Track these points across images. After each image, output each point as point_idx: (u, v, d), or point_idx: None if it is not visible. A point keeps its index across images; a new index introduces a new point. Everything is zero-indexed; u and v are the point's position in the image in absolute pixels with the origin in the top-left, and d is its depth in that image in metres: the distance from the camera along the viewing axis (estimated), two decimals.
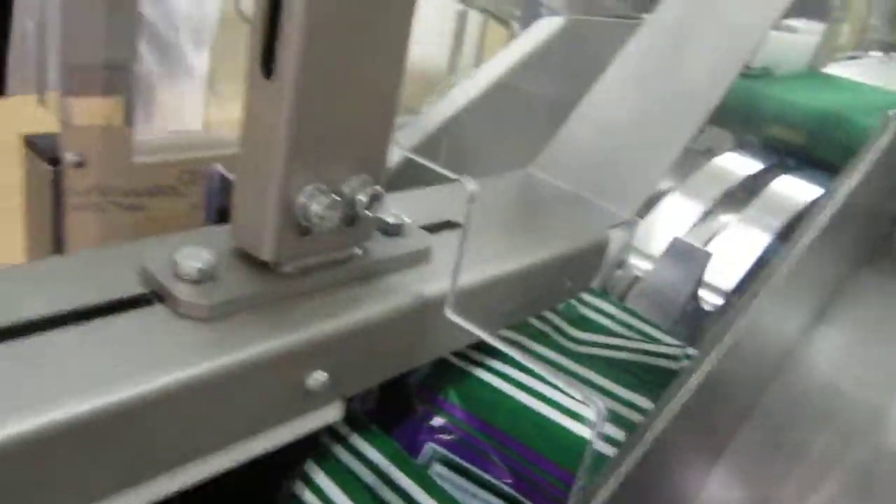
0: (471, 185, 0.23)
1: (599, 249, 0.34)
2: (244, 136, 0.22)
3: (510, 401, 0.32)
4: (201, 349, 0.20)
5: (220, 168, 0.36)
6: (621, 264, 0.43)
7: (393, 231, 0.27)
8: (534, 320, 0.35)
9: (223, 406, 0.21)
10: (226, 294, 0.22)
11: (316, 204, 0.22)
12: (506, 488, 0.31)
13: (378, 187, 0.24)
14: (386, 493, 0.28)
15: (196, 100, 0.52)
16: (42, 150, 0.47)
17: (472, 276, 0.28)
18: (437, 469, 0.32)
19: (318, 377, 0.23)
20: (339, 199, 0.23)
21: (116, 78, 0.44)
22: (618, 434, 0.30)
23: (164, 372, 0.19)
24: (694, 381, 0.28)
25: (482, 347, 0.32)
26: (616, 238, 0.42)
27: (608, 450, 0.30)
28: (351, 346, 0.24)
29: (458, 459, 0.32)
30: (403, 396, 0.33)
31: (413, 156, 0.28)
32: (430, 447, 0.32)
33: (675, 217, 0.51)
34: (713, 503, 0.30)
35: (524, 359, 0.24)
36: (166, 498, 0.20)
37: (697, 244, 0.45)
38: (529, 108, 0.40)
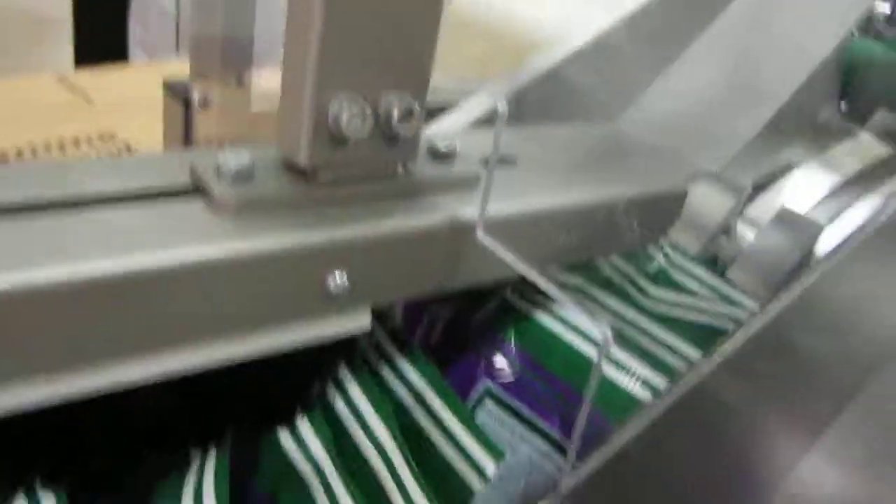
0: (501, 105, 0.23)
1: (675, 199, 0.33)
2: (286, 41, 0.23)
3: (565, 346, 0.31)
4: (223, 236, 0.22)
5: None
6: (728, 231, 0.41)
7: (443, 156, 0.28)
8: (610, 272, 0.35)
9: (239, 293, 0.22)
10: (256, 192, 0.23)
11: (346, 112, 0.23)
12: (550, 430, 0.31)
13: (415, 104, 0.24)
14: (419, 414, 0.28)
15: None
16: (177, 92, 0.51)
17: (521, 205, 0.28)
18: (489, 406, 0.33)
19: (339, 279, 0.24)
20: (370, 111, 0.24)
21: (238, 48, 0.48)
22: None
23: (184, 249, 0.21)
24: (743, 333, 0.27)
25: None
26: (722, 203, 0.40)
27: None
28: (376, 255, 0.24)
29: (508, 398, 0.32)
30: (464, 335, 0.34)
31: (485, 94, 0.28)
32: (484, 384, 0.33)
33: (800, 189, 0.48)
34: (755, 457, 0.29)
35: (551, 288, 0.23)
36: (181, 375, 0.22)
37: (822, 219, 0.42)
38: (628, 66, 0.39)
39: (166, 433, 0.27)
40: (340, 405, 0.27)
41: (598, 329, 0.21)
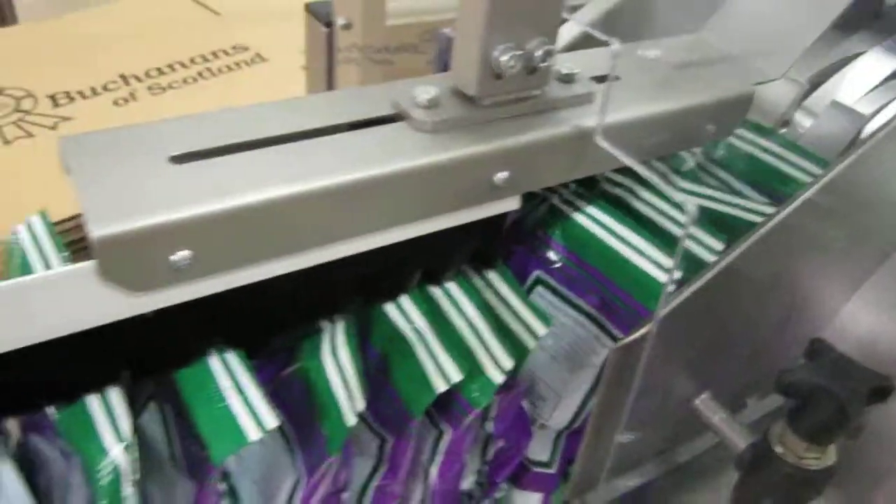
0: (615, 46, 0.33)
1: (742, 101, 0.42)
2: (461, 6, 0.33)
3: (600, 243, 0.41)
4: (427, 150, 0.32)
5: (447, 31, 0.48)
6: (787, 123, 0.50)
7: (566, 79, 0.37)
8: (685, 156, 0.44)
9: (435, 188, 0.33)
10: (443, 116, 0.34)
11: (505, 57, 0.33)
12: (590, 308, 0.42)
13: (551, 46, 0.34)
14: (488, 294, 0.39)
15: None
16: (319, 14, 0.61)
17: (623, 114, 0.38)
18: (539, 290, 0.43)
19: (502, 175, 0.34)
20: (521, 53, 0.33)
21: None
22: None
23: (401, 160, 0.31)
24: (778, 217, 0.36)
25: (585, 197, 0.42)
26: (782, 94, 0.49)
27: None
28: (526, 157, 0.35)
29: (556, 283, 0.43)
30: (519, 234, 0.44)
31: (588, 29, 0.37)
32: (535, 273, 0.43)
33: (856, 80, 0.55)
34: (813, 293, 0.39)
35: (647, 173, 0.33)
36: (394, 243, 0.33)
37: (868, 109, 0.50)
38: None
39: (299, 311, 0.37)
40: (433, 287, 0.38)
41: (686, 204, 0.31)
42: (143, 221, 0.27)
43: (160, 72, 0.79)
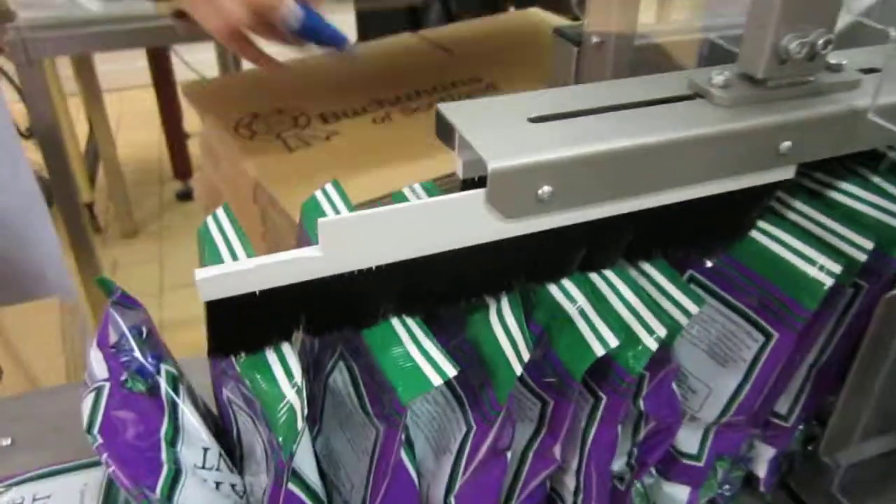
0: (893, 32, 0.38)
1: None
2: (753, 3, 0.39)
3: (756, 244, 0.45)
4: (727, 120, 0.39)
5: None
6: None
7: (835, 68, 0.43)
8: None
9: (730, 153, 0.39)
10: (736, 93, 0.40)
11: (792, 45, 0.39)
12: (742, 305, 0.45)
13: (831, 35, 0.40)
14: (644, 282, 0.44)
15: None
16: (569, 37, 0.69)
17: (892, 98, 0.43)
18: (692, 287, 0.46)
19: (787, 144, 0.40)
20: (806, 41, 0.39)
21: None
22: None
23: (707, 127, 0.38)
24: None
25: None
26: None
27: None
28: (806, 131, 0.40)
29: (708, 282, 0.47)
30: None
31: (862, 20, 0.43)
32: (689, 272, 0.47)
33: None
34: None
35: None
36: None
37: None
38: None
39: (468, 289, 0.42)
40: (591, 273, 0.43)
41: None
42: (521, 160, 0.35)
43: (408, 97, 0.90)
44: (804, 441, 0.55)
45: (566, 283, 0.43)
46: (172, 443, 0.40)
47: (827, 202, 0.47)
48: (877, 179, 0.47)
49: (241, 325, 0.36)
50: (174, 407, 0.41)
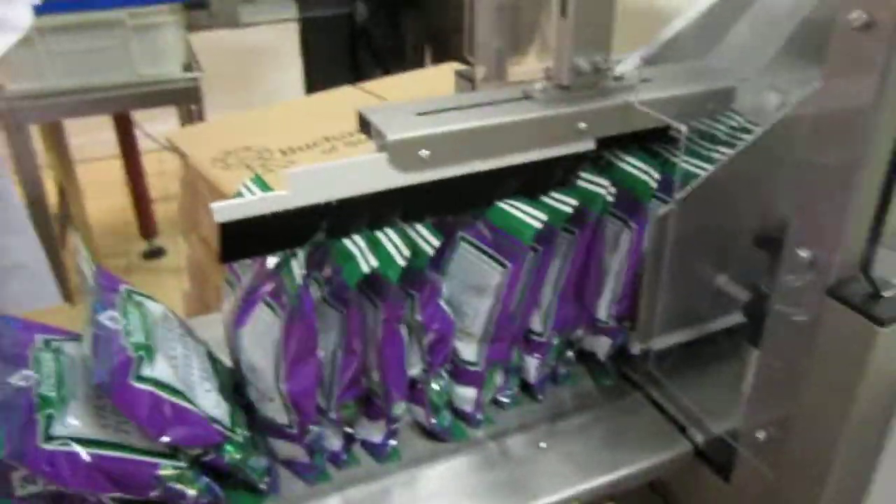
0: (638, 58, 0.62)
1: (728, 91, 0.70)
2: (556, 35, 0.63)
3: (498, 208, 0.69)
4: (539, 111, 0.62)
5: None
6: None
7: (619, 78, 0.67)
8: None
9: (542, 132, 0.62)
10: (552, 95, 0.63)
11: (581, 64, 0.62)
12: (488, 248, 0.69)
13: (606, 58, 0.63)
14: (414, 235, 0.67)
15: None
16: (465, 75, 0.93)
17: (649, 95, 0.66)
18: (462, 242, 0.70)
19: (584, 126, 0.63)
20: (590, 61, 0.63)
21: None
22: None
23: (522, 115, 0.61)
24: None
25: None
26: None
27: None
28: (595, 116, 0.63)
29: (468, 235, 0.70)
30: None
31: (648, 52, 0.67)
32: (459, 234, 0.71)
33: None
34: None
35: (673, 123, 0.62)
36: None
37: None
38: (710, 31, 0.76)
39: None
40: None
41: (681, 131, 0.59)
42: (409, 134, 0.57)
43: (350, 133, 1.14)
44: (559, 350, 0.73)
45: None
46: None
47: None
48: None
49: (240, 240, 0.57)
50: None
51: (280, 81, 2.90)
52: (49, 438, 0.53)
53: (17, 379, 0.56)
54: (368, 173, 0.58)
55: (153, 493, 0.56)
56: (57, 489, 0.54)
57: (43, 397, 0.55)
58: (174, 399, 0.55)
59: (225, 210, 0.54)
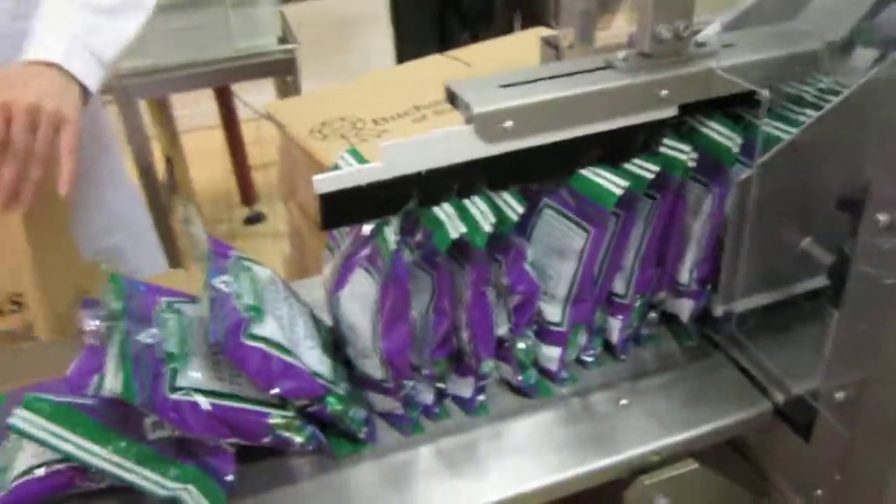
0: (717, 24, 0.63)
1: (810, 55, 0.69)
2: (637, 9, 0.64)
3: (580, 175, 0.69)
4: (621, 79, 0.64)
5: None
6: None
7: (701, 44, 0.67)
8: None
9: (629, 98, 0.64)
10: (633, 63, 0.65)
11: (663, 31, 0.64)
12: (571, 214, 0.69)
13: (689, 25, 0.64)
14: (500, 202, 0.69)
15: None
16: (550, 42, 0.95)
17: (736, 60, 0.67)
18: (545, 208, 0.71)
19: (665, 93, 0.64)
20: (671, 28, 0.64)
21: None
22: None
23: (605, 84, 0.63)
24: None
25: None
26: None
27: None
28: (676, 83, 0.65)
29: (551, 202, 0.71)
30: None
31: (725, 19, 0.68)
32: (544, 200, 0.72)
33: None
34: None
35: (757, 90, 0.62)
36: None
37: None
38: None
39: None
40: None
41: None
42: (493, 107, 0.60)
43: (439, 102, 1.17)
44: (641, 312, 0.75)
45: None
46: None
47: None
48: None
49: (338, 209, 0.61)
50: None
51: (371, 49, 2.96)
52: (174, 389, 0.59)
53: (145, 336, 0.62)
54: (456, 145, 0.61)
55: (265, 440, 0.62)
56: (182, 434, 0.60)
57: (168, 353, 0.61)
58: (281, 355, 0.61)
59: (325, 182, 0.59)
